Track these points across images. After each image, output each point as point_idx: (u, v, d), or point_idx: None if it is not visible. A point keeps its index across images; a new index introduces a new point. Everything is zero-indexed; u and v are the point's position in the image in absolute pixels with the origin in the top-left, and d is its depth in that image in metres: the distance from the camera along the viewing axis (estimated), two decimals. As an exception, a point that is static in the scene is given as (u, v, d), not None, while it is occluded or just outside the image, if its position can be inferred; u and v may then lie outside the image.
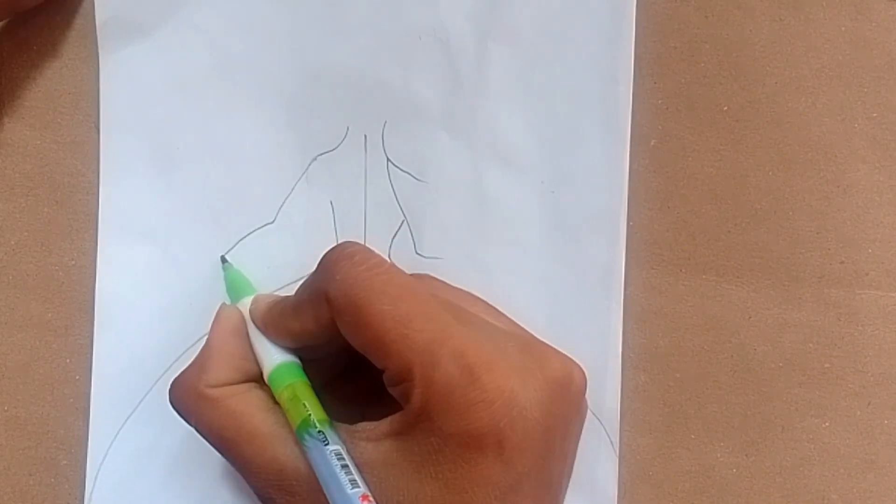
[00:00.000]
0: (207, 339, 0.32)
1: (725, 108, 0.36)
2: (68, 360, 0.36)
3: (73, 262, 0.37)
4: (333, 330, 0.30)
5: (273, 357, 0.31)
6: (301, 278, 0.32)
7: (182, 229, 0.36)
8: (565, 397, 0.30)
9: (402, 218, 0.36)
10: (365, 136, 0.36)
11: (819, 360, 0.36)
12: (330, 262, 0.30)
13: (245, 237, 0.36)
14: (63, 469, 0.36)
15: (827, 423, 0.36)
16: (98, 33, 0.36)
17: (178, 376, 0.32)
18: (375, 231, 0.36)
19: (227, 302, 0.34)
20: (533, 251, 0.35)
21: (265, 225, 0.36)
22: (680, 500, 0.36)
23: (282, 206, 0.36)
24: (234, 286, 0.35)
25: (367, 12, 0.36)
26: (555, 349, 0.31)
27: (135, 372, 0.36)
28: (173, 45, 0.36)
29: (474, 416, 0.28)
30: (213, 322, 0.33)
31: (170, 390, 0.32)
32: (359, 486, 0.28)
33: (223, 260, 0.36)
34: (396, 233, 0.36)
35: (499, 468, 0.28)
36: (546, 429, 0.29)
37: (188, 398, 0.31)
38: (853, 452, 0.36)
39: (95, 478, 0.36)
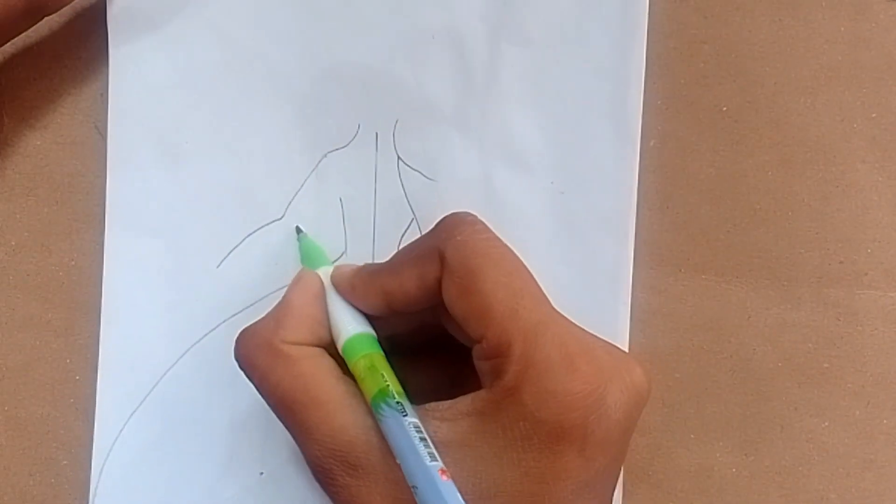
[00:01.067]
0: (285, 297, 0.32)
1: (725, 108, 0.36)
2: (68, 361, 0.36)
3: (74, 262, 0.37)
4: (431, 294, 0.29)
5: (350, 326, 0.31)
6: None
7: (189, 224, 0.36)
8: (640, 407, 0.30)
9: (412, 216, 0.36)
10: (376, 134, 0.36)
11: (818, 360, 0.36)
12: (450, 224, 0.30)
13: (253, 233, 0.36)
14: (64, 469, 0.36)
15: (826, 423, 0.36)
16: (108, 25, 0.36)
17: (250, 328, 0.31)
18: (385, 229, 0.36)
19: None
20: (541, 252, 0.35)
21: (273, 221, 0.36)
22: (679, 500, 0.36)
23: (291, 202, 0.36)
24: (310, 255, 0.34)
25: (380, 10, 0.36)
26: (635, 358, 0.31)
27: (141, 367, 0.36)
28: (184, 38, 0.36)
29: (568, 406, 0.27)
30: (293, 283, 0.32)
31: (237, 342, 0.31)
32: (437, 461, 0.27)
33: (298, 230, 0.35)
34: (406, 231, 0.36)
35: (579, 463, 0.28)
36: (623, 432, 0.29)
37: (259, 351, 0.30)
38: (852, 452, 0.36)
39: (100, 472, 0.36)
